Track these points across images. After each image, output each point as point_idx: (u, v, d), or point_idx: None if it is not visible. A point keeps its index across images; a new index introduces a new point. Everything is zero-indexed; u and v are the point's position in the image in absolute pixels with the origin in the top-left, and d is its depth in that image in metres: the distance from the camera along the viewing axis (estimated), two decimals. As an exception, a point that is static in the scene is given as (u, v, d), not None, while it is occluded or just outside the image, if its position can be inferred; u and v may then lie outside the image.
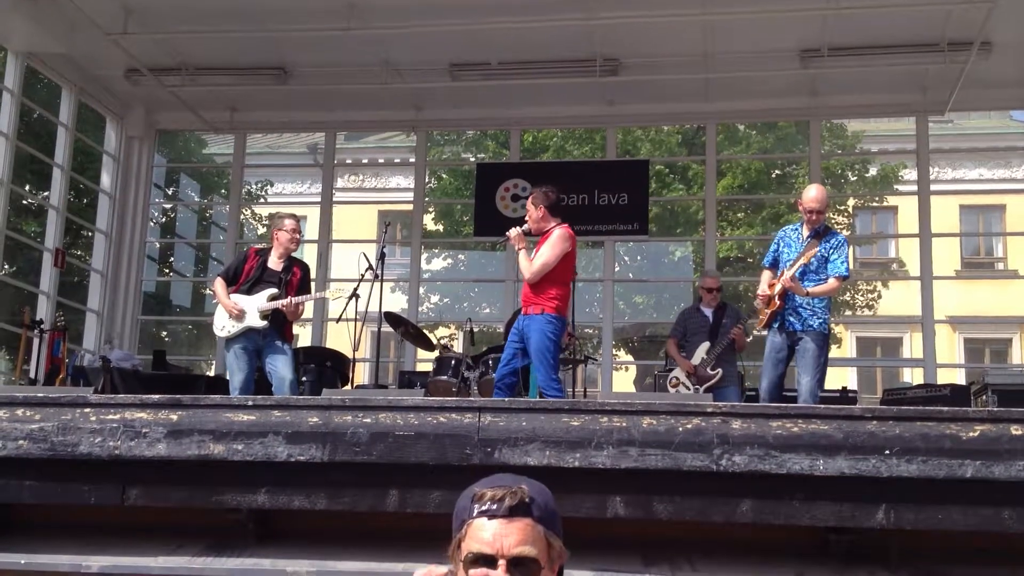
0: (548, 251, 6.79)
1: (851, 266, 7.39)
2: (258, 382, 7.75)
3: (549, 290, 6.78)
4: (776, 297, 6.86)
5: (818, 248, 6.87)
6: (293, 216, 7.89)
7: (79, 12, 10.24)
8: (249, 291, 7.50)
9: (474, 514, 1.88)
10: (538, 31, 10.51)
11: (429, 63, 11.49)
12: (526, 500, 1.87)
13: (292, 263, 7.71)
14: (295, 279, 7.60)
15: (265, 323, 7.41)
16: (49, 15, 10.41)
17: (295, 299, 7.47)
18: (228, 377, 7.61)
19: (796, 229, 7.14)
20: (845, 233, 20.32)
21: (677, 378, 8.44)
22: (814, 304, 6.85)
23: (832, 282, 6.90)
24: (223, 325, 7.48)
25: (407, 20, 10.35)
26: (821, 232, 6.99)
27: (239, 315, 7.39)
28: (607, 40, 10.79)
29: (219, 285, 7.58)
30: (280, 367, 7.37)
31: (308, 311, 12.49)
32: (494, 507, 1.86)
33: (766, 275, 7.23)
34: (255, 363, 7.52)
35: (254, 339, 7.45)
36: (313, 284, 8.35)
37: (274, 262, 7.63)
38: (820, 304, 6.88)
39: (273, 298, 7.44)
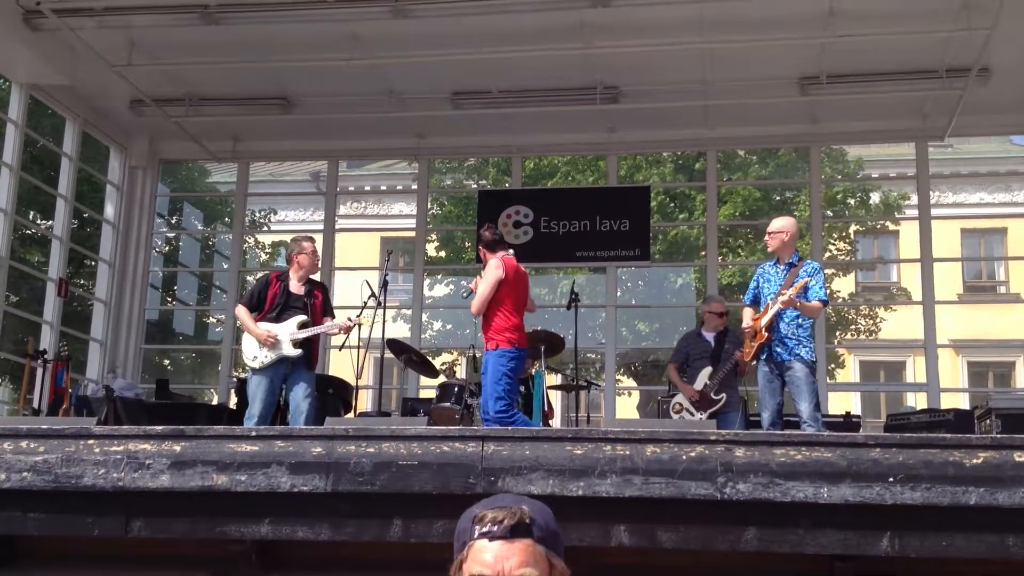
0: (482, 285, 7.14)
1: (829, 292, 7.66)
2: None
3: (498, 323, 7.09)
4: (763, 329, 7.05)
5: (798, 276, 7.16)
6: (310, 238, 7.84)
7: (83, 44, 10.31)
8: (277, 318, 7.43)
9: (475, 536, 1.87)
10: (539, 60, 10.58)
11: (431, 92, 11.56)
12: (527, 521, 1.87)
13: (313, 286, 7.68)
14: (318, 302, 7.59)
15: (299, 351, 7.36)
16: (54, 47, 10.49)
17: (338, 325, 7.52)
18: (249, 401, 7.41)
19: (773, 264, 7.47)
20: (845, 259, 20.55)
21: (680, 404, 8.43)
22: (799, 334, 7.11)
23: (816, 303, 7.12)
24: (255, 355, 7.36)
25: (409, 50, 10.43)
26: (796, 263, 7.31)
27: (274, 344, 7.32)
28: (607, 68, 10.86)
29: (244, 313, 7.49)
30: (300, 395, 7.32)
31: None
32: (495, 528, 1.86)
33: (747, 312, 7.53)
34: (278, 393, 7.46)
35: (280, 368, 7.39)
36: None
37: (295, 286, 7.59)
38: (804, 334, 7.17)
39: (303, 325, 7.40)
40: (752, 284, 7.56)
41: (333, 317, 7.73)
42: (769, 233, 7.43)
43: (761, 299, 7.36)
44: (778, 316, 7.09)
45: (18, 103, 11.06)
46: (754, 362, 7.42)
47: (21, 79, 11.09)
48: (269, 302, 7.49)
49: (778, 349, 7.10)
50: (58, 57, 10.69)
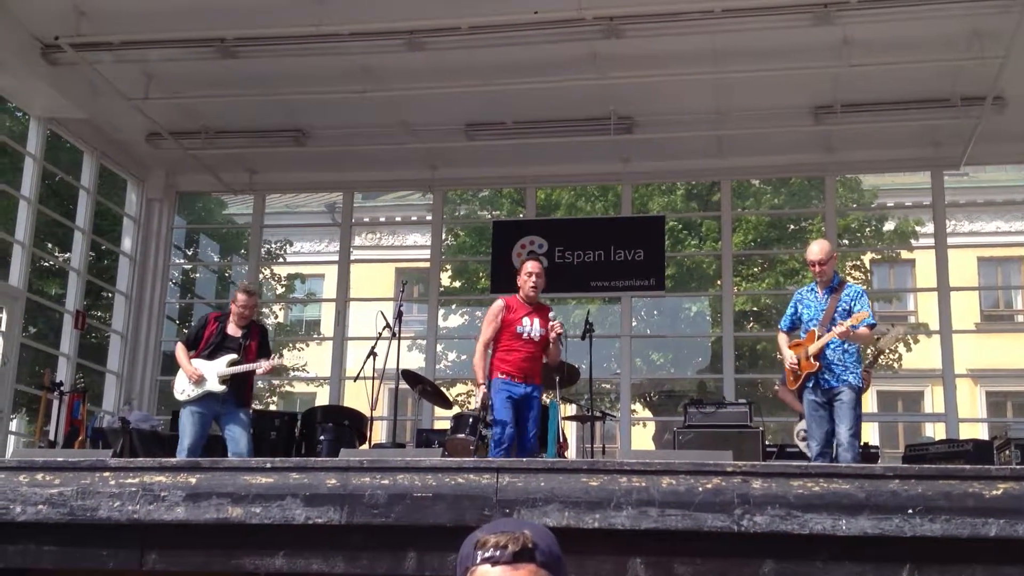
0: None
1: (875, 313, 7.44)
2: (211, 444, 8.21)
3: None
4: (812, 358, 6.93)
5: (840, 301, 6.98)
6: (248, 292, 8.13)
7: (101, 78, 10.42)
8: (210, 357, 7.84)
9: (477, 561, 1.85)
10: (552, 91, 10.62)
11: (445, 124, 11.62)
12: (529, 546, 1.85)
13: (251, 328, 8.07)
14: (254, 344, 7.98)
15: (224, 388, 7.75)
16: (72, 81, 10.59)
17: (252, 366, 7.86)
18: (180, 435, 7.84)
19: (812, 289, 7.28)
20: (863, 287, 20.39)
21: (803, 432, 8.09)
22: (846, 360, 6.98)
23: (864, 329, 6.99)
24: (183, 389, 7.80)
25: (423, 82, 10.48)
26: (837, 287, 7.09)
27: (199, 380, 7.71)
28: (621, 99, 10.89)
29: (180, 350, 7.95)
30: (237, 433, 7.77)
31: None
32: (497, 554, 1.83)
33: (783, 338, 7.41)
34: (208, 428, 7.89)
35: (212, 405, 7.79)
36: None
37: (233, 328, 8.00)
38: (851, 360, 7.04)
39: (232, 364, 7.80)
40: (789, 310, 7.38)
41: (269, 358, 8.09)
42: (819, 263, 7.09)
43: (802, 326, 7.20)
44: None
45: (36, 137, 11.16)
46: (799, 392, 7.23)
47: (39, 113, 11.20)
48: (204, 341, 7.95)
49: (826, 376, 6.98)
50: (76, 91, 10.79)
